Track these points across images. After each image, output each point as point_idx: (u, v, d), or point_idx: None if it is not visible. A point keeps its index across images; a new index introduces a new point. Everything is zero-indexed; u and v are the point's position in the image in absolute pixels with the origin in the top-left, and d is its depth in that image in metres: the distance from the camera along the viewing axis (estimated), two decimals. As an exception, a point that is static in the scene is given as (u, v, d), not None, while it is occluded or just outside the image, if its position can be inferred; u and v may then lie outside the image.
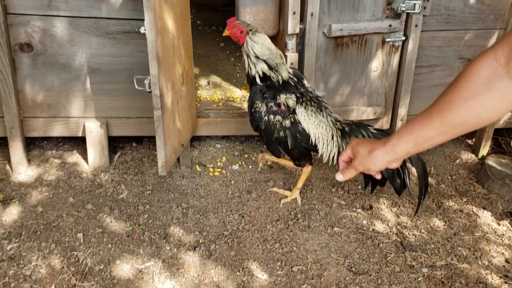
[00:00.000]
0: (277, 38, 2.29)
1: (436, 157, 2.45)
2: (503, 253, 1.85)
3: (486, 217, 2.06)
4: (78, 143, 2.25)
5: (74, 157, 2.20)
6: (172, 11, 1.71)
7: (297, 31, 2.04)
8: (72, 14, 1.89)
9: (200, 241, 1.80)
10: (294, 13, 1.99)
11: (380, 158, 0.97)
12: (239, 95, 2.42)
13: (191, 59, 2.02)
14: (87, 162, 2.15)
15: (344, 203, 2.05)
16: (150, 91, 1.68)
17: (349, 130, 1.81)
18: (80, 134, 2.12)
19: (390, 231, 1.92)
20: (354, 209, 2.02)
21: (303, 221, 1.92)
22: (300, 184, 2.01)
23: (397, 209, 2.05)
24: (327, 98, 2.22)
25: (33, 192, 1.99)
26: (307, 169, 1.96)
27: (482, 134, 2.46)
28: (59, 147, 2.25)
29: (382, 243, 1.85)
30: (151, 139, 2.33)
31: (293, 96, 1.80)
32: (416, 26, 2.11)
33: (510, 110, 0.80)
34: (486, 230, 1.98)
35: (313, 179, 2.19)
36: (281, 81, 1.80)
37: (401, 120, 2.33)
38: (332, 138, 1.81)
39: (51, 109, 2.05)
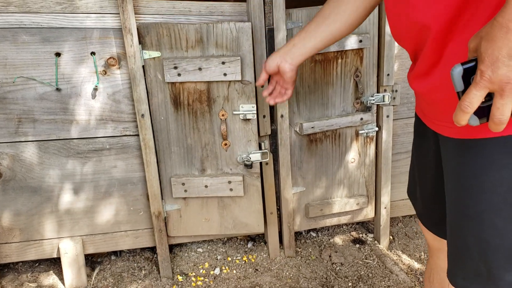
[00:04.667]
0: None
1: None
2: None
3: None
4: (55, 261, 2.17)
5: (50, 278, 2.11)
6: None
7: (269, 132, 2.04)
8: (41, 138, 1.88)
9: None
10: (264, 116, 2.00)
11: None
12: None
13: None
14: (64, 284, 2.06)
15: (334, 306, 1.97)
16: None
17: None
18: (55, 255, 2.05)
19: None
20: (345, 312, 1.93)
21: (292, 333, 1.83)
22: None
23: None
24: (307, 193, 2.20)
25: (6, 325, 1.89)
26: None
27: None
28: (35, 268, 2.16)
29: None
30: (131, 251, 2.25)
31: None
32: (387, 116, 2.12)
33: None
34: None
35: (301, 280, 2.11)
36: None
37: (385, 208, 2.29)
38: None
39: (24, 233, 1.99)
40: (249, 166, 2.00)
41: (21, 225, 1.98)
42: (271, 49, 1.91)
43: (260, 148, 2.03)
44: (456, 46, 0.91)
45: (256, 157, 2.00)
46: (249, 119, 1.93)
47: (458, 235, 1.02)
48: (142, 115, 1.87)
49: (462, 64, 0.74)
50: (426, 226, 1.33)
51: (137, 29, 1.79)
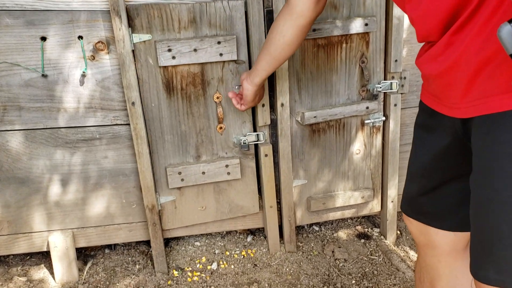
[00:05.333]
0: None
1: None
2: None
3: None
4: (47, 255, 2.09)
5: (40, 272, 2.03)
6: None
7: (268, 122, 1.93)
8: (27, 127, 1.79)
9: None
10: (263, 105, 1.88)
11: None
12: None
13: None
14: (54, 278, 1.98)
15: (335, 305, 1.86)
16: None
17: None
18: (45, 249, 1.97)
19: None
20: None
21: (289, 334, 1.73)
22: None
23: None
24: (309, 186, 2.08)
25: (-7, 320, 1.82)
26: None
27: None
28: (25, 262, 2.09)
29: None
30: (126, 244, 2.17)
31: None
32: (395, 105, 1.99)
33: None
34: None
35: (301, 276, 2.01)
36: None
37: (392, 201, 2.17)
38: None
39: (12, 226, 1.91)
40: (245, 147, 1.91)
41: (9, 218, 1.90)
42: (270, 32, 1.79)
43: (255, 131, 1.95)
44: (477, 22, 0.85)
45: (252, 138, 1.92)
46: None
47: (487, 224, 0.92)
48: (133, 103, 1.77)
49: (509, 21, 0.70)
50: (412, 215, 1.26)
51: (126, 11, 1.67)
